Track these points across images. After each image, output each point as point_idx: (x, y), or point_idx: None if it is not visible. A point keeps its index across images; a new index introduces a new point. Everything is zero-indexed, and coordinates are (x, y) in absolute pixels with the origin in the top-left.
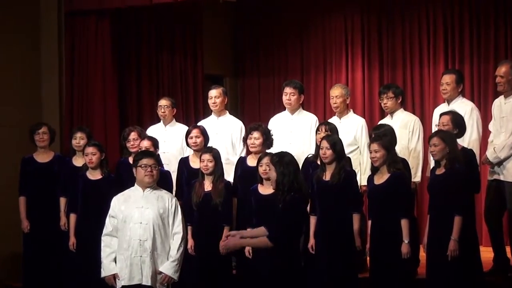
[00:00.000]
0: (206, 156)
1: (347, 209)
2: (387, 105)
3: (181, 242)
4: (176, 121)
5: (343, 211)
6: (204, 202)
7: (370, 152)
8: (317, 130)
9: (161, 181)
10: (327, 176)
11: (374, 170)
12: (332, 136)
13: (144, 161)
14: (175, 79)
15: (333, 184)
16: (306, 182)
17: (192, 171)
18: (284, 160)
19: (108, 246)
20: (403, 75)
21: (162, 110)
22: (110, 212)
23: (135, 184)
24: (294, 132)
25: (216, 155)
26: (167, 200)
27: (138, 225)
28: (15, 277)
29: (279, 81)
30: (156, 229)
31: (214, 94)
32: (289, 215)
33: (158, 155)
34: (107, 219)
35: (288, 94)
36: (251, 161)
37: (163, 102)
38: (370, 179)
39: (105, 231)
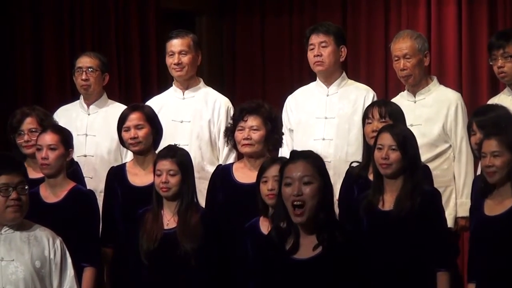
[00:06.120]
0: (166, 164)
1: (426, 263)
2: (505, 69)
3: None
4: (109, 97)
5: (419, 266)
6: (163, 250)
7: (483, 156)
8: (365, 116)
9: (80, 210)
10: (386, 203)
11: (486, 190)
12: (399, 127)
13: (3, 178)
14: (105, 20)
15: (398, 216)
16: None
17: (133, 192)
18: (325, 167)
19: None
20: None
21: (83, 77)
22: None
23: None
24: (332, 119)
25: (183, 162)
26: (46, 243)
27: None
28: None
29: (299, 24)
30: None
31: (178, 48)
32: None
33: (73, 160)
34: None
35: (316, 46)
36: (243, 174)
37: (85, 61)
38: (477, 206)
39: None
